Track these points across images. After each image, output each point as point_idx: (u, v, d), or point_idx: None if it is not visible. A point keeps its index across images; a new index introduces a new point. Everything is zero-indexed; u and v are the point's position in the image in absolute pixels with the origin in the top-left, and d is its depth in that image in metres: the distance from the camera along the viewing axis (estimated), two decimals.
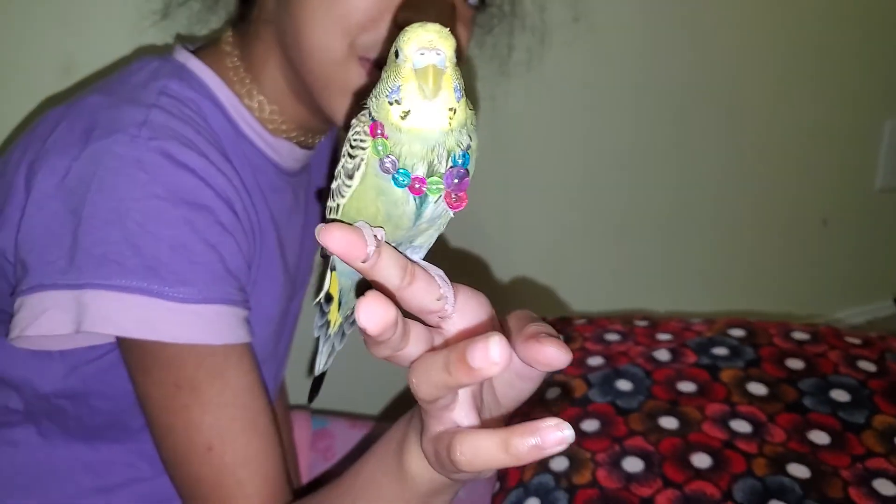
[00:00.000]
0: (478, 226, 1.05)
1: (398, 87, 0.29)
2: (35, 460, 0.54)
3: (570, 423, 0.66)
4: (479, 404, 0.33)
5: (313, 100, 0.52)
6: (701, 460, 0.58)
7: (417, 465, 0.36)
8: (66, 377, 0.51)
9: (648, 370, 0.68)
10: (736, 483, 0.55)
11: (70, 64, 0.70)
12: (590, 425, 0.63)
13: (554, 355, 0.30)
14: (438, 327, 0.33)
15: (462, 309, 0.33)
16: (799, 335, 0.72)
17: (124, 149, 0.44)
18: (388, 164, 0.30)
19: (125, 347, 0.47)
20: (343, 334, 0.39)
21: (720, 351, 0.70)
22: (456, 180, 0.31)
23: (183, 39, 0.64)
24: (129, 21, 0.67)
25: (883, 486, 0.54)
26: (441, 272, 0.33)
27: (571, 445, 0.61)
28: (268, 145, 0.54)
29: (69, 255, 0.44)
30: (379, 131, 0.30)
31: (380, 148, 0.30)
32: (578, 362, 0.71)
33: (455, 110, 0.29)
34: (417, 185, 0.30)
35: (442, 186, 0.30)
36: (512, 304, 1.15)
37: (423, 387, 0.29)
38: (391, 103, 0.29)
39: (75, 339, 0.47)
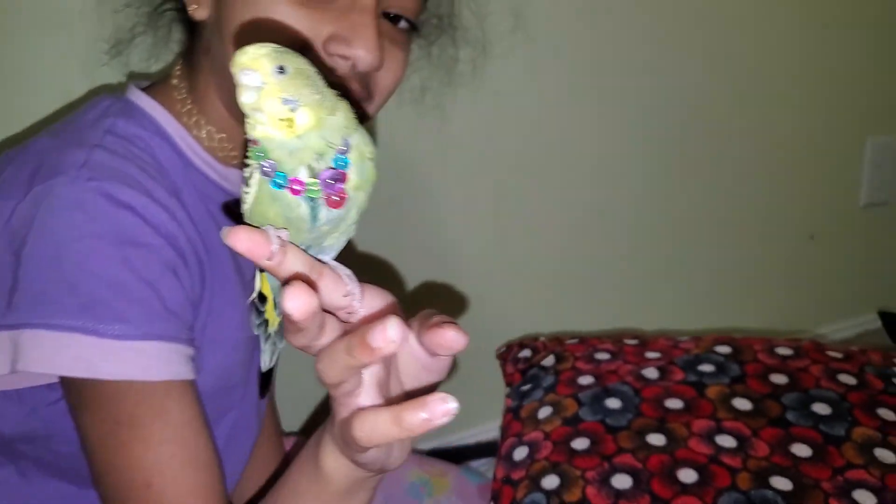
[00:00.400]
0: (436, 238, 1.07)
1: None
2: (16, 501, 0.54)
3: (560, 441, 0.68)
4: (386, 394, 0.37)
5: None
6: (687, 475, 0.59)
7: (332, 462, 0.39)
8: (26, 419, 0.51)
9: (637, 388, 0.70)
10: (721, 497, 0.57)
11: (28, 106, 0.73)
12: (580, 444, 0.65)
13: (453, 337, 0.34)
14: (349, 322, 0.36)
15: (370, 305, 0.36)
16: (783, 350, 0.74)
17: (63, 190, 0.45)
18: (267, 168, 0.33)
19: (65, 387, 0.47)
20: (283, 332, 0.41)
21: (706, 368, 0.72)
22: (330, 181, 0.33)
23: (138, 77, 0.65)
24: (84, 61, 0.68)
25: (862, 497, 0.56)
26: (349, 271, 0.35)
27: (562, 464, 0.63)
28: (217, 174, 0.54)
29: (8, 297, 0.45)
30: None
31: (258, 154, 0.33)
32: (570, 381, 0.74)
33: (291, 120, 0.32)
34: (296, 187, 0.33)
35: (319, 189, 0.33)
36: (474, 320, 1.15)
37: (328, 370, 0.33)
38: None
39: (20, 379, 0.47)
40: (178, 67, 0.56)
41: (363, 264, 1.00)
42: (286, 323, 0.32)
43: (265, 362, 0.42)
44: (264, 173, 0.33)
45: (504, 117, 1.04)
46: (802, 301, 1.36)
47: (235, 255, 0.55)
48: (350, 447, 0.36)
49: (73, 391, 0.46)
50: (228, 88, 0.50)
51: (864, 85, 1.34)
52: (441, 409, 0.31)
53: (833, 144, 1.34)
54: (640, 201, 1.18)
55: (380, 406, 0.35)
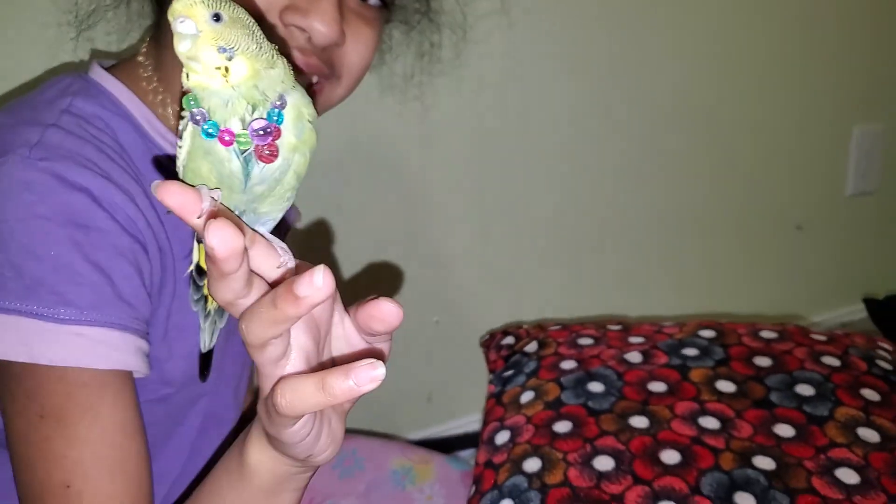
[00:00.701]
0: (431, 235, 1.07)
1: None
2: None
3: (542, 425, 0.68)
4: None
5: None
6: (670, 457, 0.59)
7: (257, 454, 0.37)
8: None
9: (620, 372, 0.69)
10: (704, 477, 0.57)
11: None
12: (562, 427, 0.64)
13: (388, 310, 0.33)
14: None
15: None
16: (767, 334, 0.74)
17: (13, 169, 0.43)
18: (198, 117, 0.32)
19: (1, 374, 0.44)
20: (223, 311, 0.39)
21: (690, 351, 0.71)
22: (261, 132, 0.32)
23: (102, 56, 0.63)
24: (49, 37, 0.66)
25: (845, 475, 0.56)
26: (283, 244, 0.34)
27: (544, 447, 0.63)
28: None
29: None
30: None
31: (191, 101, 0.32)
32: (552, 366, 0.73)
33: (226, 68, 0.31)
34: (227, 138, 0.32)
35: (250, 139, 0.32)
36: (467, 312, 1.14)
37: (253, 327, 0.31)
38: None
39: None
40: (145, 45, 0.54)
41: (344, 253, 1.00)
42: (213, 267, 0.30)
43: (205, 342, 0.40)
44: (194, 121, 0.32)
45: (486, 103, 1.03)
46: (789, 290, 1.36)
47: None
48: (275, 423, 0.33)
49: (6, 377, 0.44)
50: None
51: (851, 74, 1.34)
52: (368, 374, 0.30)
53: (819, 134, 1.34)
54: (625, 190, 1.17)
55: (305, 373, 0.33)
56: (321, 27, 0.47)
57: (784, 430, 0.61)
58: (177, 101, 0.52)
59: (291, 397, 0.31)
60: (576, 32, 1.07)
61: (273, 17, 0.47)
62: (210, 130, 0.32)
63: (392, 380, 1.08)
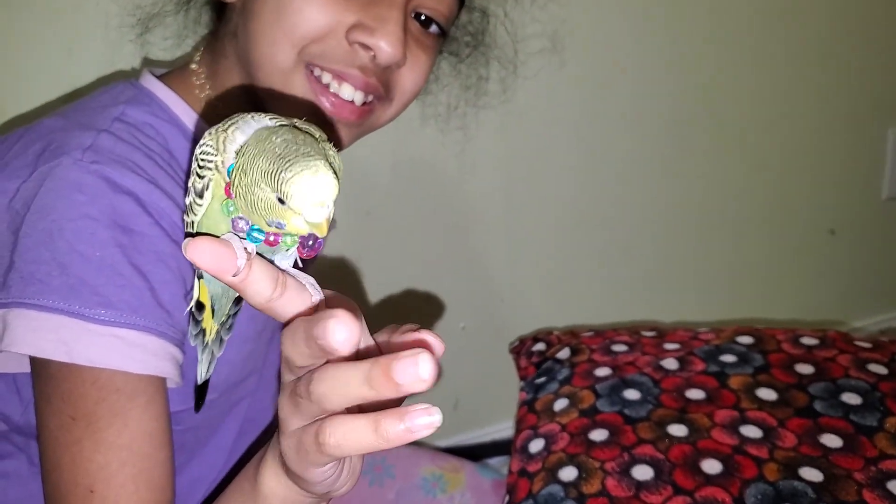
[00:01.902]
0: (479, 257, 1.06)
1: (282, 224, 0.29)
2: (28, 492, 0.52)
3: (577, 433, 0.66)
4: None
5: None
6: (711, 466, 0.57)
7: (272, 483, 0.36)
8: (27, 409, 0.49)
9: (656, 379, 0.67)
10: (748, 488, 0.55)
11: (39, 88, 0.71)
12: (598, 435, 0.62)
13: (430, 344, 0.32)
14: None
15: None
16: (808, 341, 0.71)
17: (66, 171, 0.44)
18: (242, 225, 0.30)
19: (35, 374, 0.45)
20: (221, 341, 0.39)
21: (728, 358, 0.69)
22: (311, 242, 0.31)
23: (155, 65, 0.65)
24: (110, 43, 0.67)
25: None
26: (312, 280, 0.32)
27: (580, 455, 0.61)
28: None
29: (3, 275, 0.44)
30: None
31: (231, 209, 0.30)
32: (586, 373, 0.71)
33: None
34: (272, 238, 0.30)
35: (296, 239, 0.31)
36: (514, 321, 1.14)
37: (335, 398, 0.29)
38: (269, 224, 0.30)
39: (10, 361, 0.46)
40: (200, 53, 0.55)
41: (374, 262, 0.99)
42: (247, 295, 0.29)
43: (202, 373, 0.39)
44: (238, 230, 0.30)
45: (525, 134, 1.03)
46: (824, 296, 1.33)
47: None
48: (305, 462, 0.31)
49: (41, 378, 0.44)
50: (250, 74, 0.50)
51: (886, 75, 1.31)
52: (424, 421, 0.27)
53: (855, 137, 1.31)
54: (656, 196, 1.16)
55: (353, 413, 0.29)
56: (387, 47, 0.48)
57: (831, 441, 0.58)
58: (231, 109, 0.51)
59: (340, 438, 0.29)
60: (601, 34, 1.06)
61: (339, 35, 0.48)
62: (256, 235, 0.30)
63: None
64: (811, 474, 0.55)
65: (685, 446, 0.59)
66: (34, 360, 0.44)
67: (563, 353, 0.77)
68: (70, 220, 0.43)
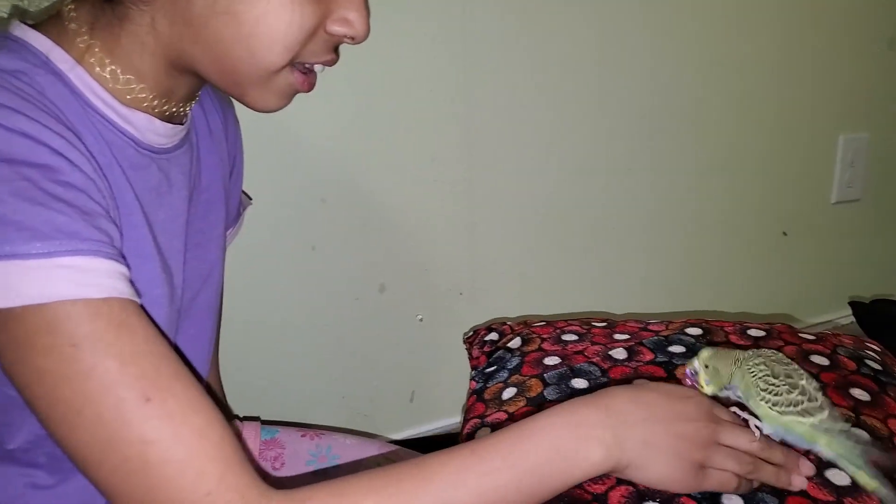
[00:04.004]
0: (442, 233, 1.05)
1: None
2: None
3: None
4: None
5: (198, 79, 0.51)
6: None
7: None
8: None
9: (604, 368, 0.67)
10: None
11: None
12: None
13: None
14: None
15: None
16: (755, 332, 0.72)
17: None
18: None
19: (8, 337, 0.40)
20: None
21: (677, 349, 0.69)
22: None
23: (23, 14, 0.61)
24: None
25: (836, 477, 0.54)
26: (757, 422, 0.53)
27: None
28: (121, 117, 0.50)
29: None
30: None
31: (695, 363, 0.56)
32: (535, 362, 0.71)
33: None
34: (688, 382, 0.56)
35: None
36: (473, 313, 1.13)
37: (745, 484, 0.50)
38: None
39: None
40: (72, 4, 0.50)
41: (326, 248, 0.97)
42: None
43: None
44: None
45: (475, 101, 1.02)
46: (776, 294, 1.36)
47: (145, 208, 0.51)
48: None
49: (7, 331, 0.39)
50: (211, 64, 0.47)
51: (837, 83, 1.34)
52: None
53: (806, 142, 1.34)
54: (614, 191, 1.16)
55: None
56: (363, 30, 0.50)
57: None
58: (119, 61, 0.49)
59: None
60: (568, 34, 1.06)
61: (321, 30, 0.49)
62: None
63: (374, 378, 1.07)
64: None
65: None
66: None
67: (515, 343, 0.76)
68: None
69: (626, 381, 0.65)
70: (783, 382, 0.52)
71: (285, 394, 1.00)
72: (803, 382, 0.52)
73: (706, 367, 0.56)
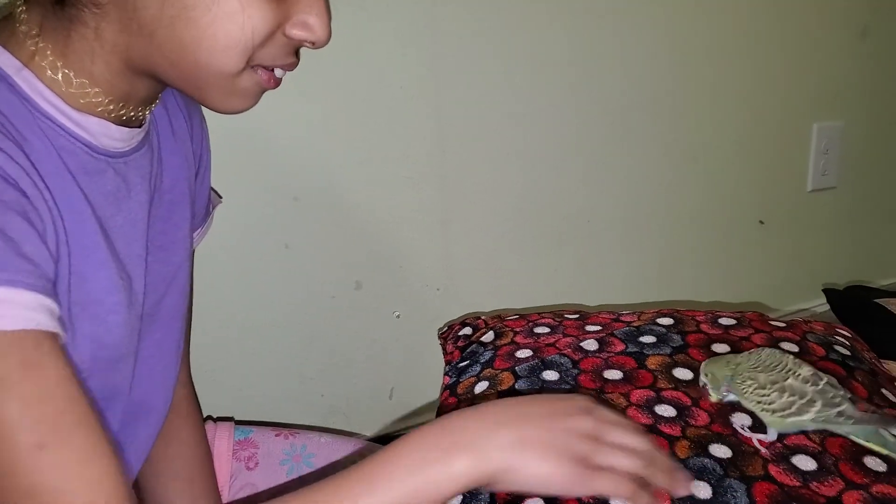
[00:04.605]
0: (418, 226, 1.04)
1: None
2: None
3: None
4: None
5: (158, 82, 0.50)
6: None
7: None
8: None
9: (576, 360, 0.67)
10: None
11: None
12: None
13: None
14: None
15: None
16: (726, 321, 0.72)
17: None
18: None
19: None
20: None
21: (648, 339, 0.69)
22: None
23: None
24: None
25: (802, 462, 0.54)
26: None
27: None
28: (73, 122, 0.48)
29: None
30: None
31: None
32: (508, 355, 0.70)
33: None
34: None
35: None
36: (447, 306, 1.13)
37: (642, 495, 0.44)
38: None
39: None
40: (23, 7, 0.48)
41: (300, 245, 0.96)
42: None
43: None
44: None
45: (446, 95, 1.02)
46: (753, 283, 1.36)
47: (98, 213, 0.49)
48: None
49: None
50: (169, 69, 0.46)
51: (810, 71, 1.35)
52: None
53: (780, 131, 1.35)
54: (588, 182, 1.16)
55: None
56: (324, 35, 0.49)
57: (741, 419, 0.59)
58: (71, 66, 0.48)
59: None
60: (539, 27, 1.06)
61: (279, 33, 0.48)
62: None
63: (353, 376, 1.06)
64: (720, 451, 0.56)
65: None
66: None
67: (488, 337, 0.76)
68: None
69: (597, 371, 0.65)
70: (771, 390, 0.54)
71: (263, 394, 1.00)
72: (790, 381, 0.54)
73: (707, 375, 0.58)
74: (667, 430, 0.58)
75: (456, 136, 1.04)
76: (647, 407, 0.61)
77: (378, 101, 0.97)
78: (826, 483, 0.52)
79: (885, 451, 0.53)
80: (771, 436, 0.55)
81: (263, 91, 0.52)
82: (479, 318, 0.84)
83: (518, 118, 1.08)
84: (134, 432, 0.55)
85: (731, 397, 0.59)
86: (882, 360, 0.81)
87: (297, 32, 0.48)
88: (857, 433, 0.53)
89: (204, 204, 0.71)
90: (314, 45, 0.49)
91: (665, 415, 0.60)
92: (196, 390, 0.79)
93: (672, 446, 0.56)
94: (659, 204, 1.23)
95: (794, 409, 0.53)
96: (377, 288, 1.04)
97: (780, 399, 0.54)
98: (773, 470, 0.54)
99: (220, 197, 0.76)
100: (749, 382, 0.56)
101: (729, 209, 1.32)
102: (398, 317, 1.07)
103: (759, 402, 0.55)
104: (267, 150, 0.92)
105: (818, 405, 0.53)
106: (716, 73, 1.24)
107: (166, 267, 0.60)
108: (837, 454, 0.55)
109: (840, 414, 0.52)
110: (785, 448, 0.56)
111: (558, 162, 1.13)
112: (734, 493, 0.52)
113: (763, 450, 0.54)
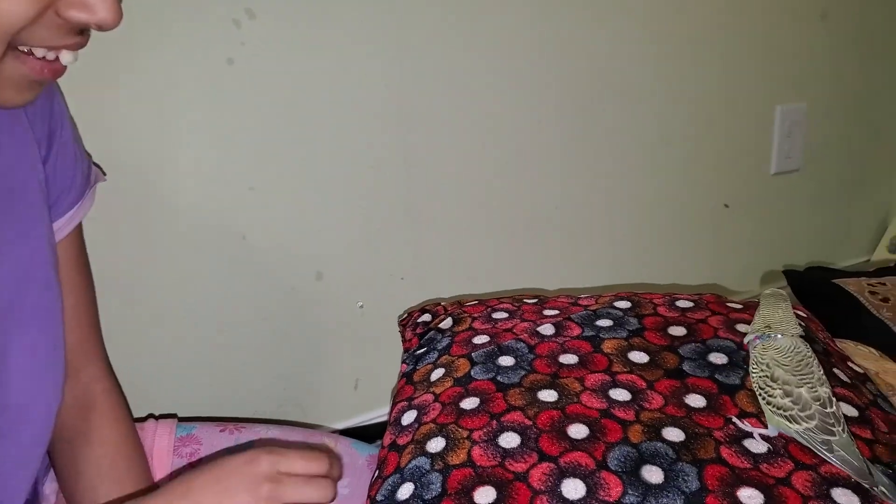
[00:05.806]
0: (386, 214, 1.02)
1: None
2: None
3: (449, 402, 0.64)
4: None
5: None
6: (578, 431, 0.56)
7: None
8: None
9: (532, 345, 0.66)
10: (611, 451, 0.54)
11: None
12: (469, 403, 0.60)
13: None
14: None
15: None
16: (683, 304, 0.72)
17: None
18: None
19: None
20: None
21: (604, 322, 0.69)
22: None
23: None
24: None
25: (753, 445, 0.54)
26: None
27: (449, 425, 0.62)
28: None
29: None
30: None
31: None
32: (465, 342, 0.69)
33: None
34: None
35: None
36: (407, 294, 1.11)
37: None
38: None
39: None
40: None
41: (264, 242, 0.94)
42: None
43: None
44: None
45: (410, 80, 1.00)
46: (718, 266, 1.37)
47: None
48: None
49: None
50: None
51: (771, 55, 1.35)
52: None
53: (744, 113, 1.35)
54: (560, 173, 1.15)
55: None
56: (110, 19, 0.43)
57: (695, 401, 0.59)
58: None
59: None
60: (503, 13, 1.04)
61: (49, 15, 0.42)
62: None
63: (317, 368, 1.04)
64: (673, 434, 0.55)
65: (553, 412, 0.58)
66: None
67: (446, 323, 0.75)
68: None
69: (553, 356, 0.65)
70: (779, 387, 0.54)
71: (224, 389, 0.98)
72: (801, 390, 0.53)
73: (762, 312, 0.60)
74: (620, 413, 0.58)
75: (419, 123, 1.02)
76: (602, 391, 0.60)
77: (339, 87, 0.95)
78: (776, 465, 0.52)
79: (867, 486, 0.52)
80: (771, 431, 0.54)
81: (38, 83, 0.45)
82: (438, 304, 0.82)
83: (482, 105, 1.06)
84: (16, 437, 0.52)
85: (752, 349, 0.58)
86: (839, 340, 0.81)
87: (74, 14, 0.42)
88: (834, 463, 0.52)
89: (67, 185, 0.62)
90: (101, 27, 0.43)
91: (619, 399, 0.59)
92: (147, 388, 0.76)
93: (626, 431, 0.56)
94: (623, 190, 1.23)
95: (787, 414, 0.53)
96: (339, 278, 1.02)
97: (781, 399, 0.54)
98: (724, 452, 0.53)
99: (104, 173, 0.70)
100: (764, 368, 0.56)
101: (693, 193, 1.32)
102: (362, 307, 1.06)
103: (761, 388, 0.56)
104: (220, 140, 0.90)
105: (811, 423, 0.52)
106: (678, 58, 1.24)
107: (15, 264, 0.53)
108: (787, 436, 0.54)
109: (824, 443, 0.51)
110: (738, 431, 0.55)
111: (523, 148, 1.11)
112: (685, 478, 0.51)
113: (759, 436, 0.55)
